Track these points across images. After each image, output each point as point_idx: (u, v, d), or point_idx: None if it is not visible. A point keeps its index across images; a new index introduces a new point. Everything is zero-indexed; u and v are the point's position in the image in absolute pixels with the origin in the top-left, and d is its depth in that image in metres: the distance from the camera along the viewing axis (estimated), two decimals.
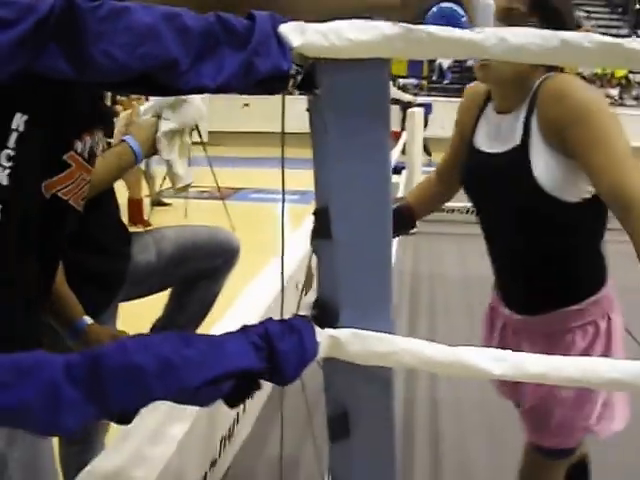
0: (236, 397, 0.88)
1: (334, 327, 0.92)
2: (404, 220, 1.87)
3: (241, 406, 2.74)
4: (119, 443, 1.95)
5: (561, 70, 1.47)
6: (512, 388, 1.77)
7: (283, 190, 1.04)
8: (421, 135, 6.25)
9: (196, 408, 2.15)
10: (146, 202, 7.69)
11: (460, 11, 1.15)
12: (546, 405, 1.62)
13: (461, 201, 6.11)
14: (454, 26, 0.86)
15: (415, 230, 5.59)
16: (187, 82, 0.76)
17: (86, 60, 0.71)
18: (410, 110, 6.45)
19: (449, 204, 6.41)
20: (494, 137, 1.54)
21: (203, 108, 2.08)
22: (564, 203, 1.45)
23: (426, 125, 12.24)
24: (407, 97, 6.53)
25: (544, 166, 1.42)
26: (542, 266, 1.59)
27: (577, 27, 1.49)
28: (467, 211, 6.60)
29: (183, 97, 1.89)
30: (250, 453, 2.74)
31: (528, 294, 1.64)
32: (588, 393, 1.57)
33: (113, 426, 2.14)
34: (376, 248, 0.94)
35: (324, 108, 0.87)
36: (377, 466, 1.03)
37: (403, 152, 6.21)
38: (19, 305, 1.06)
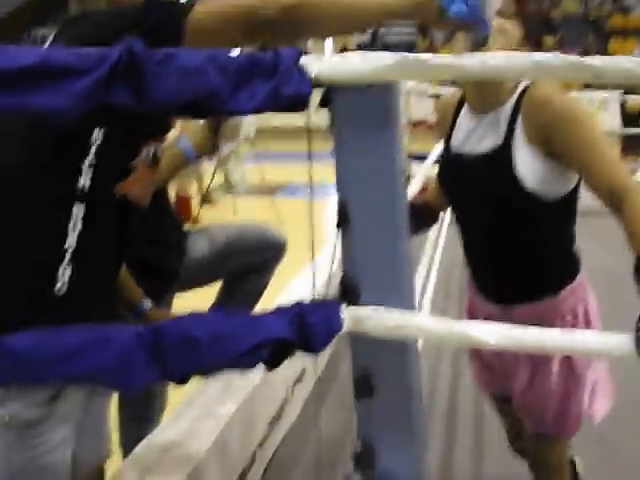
0: (273, 362, 1.08)
1: (357, 304, 1.11)
2: (423, 215, 1.97)
3: (289, 391, 2.94)
4: (173, 420, 2.17)
5: None
6: (502, 380, 1.84)
7: (311, 186, 1.23)
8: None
9: (245, 391, 2.36)
10: (194, 199, 7.83)
11: None
12: (539, 399, 1.72)
13: None
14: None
15: None
16: (227, 108, 0.96)
17: (146, 95, 0.91)
18: None
19: None
20: (471, 136, 1.64)
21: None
22: (542, 199, 1.55)
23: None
24: (451, 90, 6.56)
25: (527, 165, 1.53)
26: (514, 255, 1.67)
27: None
28: None
29: None
30: (298, 435, 2.91)
31: (499, 282, 1.73)
32: (575, 380, 1.67)
33: (168, 406, 2.36)
34: (390, 236, 1.12)
35: (340, 122, 1.06)
36: (396, 420, 1.21)
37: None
38: (104, 282, 1.30)
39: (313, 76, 0.99)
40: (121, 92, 0.90)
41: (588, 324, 1.68)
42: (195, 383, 2.31)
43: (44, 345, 1.00)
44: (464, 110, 1.71)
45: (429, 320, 1.10)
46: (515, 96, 1.58)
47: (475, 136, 1.63)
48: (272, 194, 7.64)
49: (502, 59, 0.99)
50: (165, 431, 2.08)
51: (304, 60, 1.00)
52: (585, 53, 19.46)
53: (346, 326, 1.10)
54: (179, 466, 1.89)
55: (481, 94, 1.63)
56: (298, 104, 1.01)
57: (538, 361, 1.68)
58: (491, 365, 1.86)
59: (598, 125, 1.51)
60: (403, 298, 1.15)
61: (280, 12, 1.11)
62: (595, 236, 4.03)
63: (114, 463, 1.79)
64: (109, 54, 0.89)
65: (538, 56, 0.98)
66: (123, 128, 1.23)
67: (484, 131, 1.61)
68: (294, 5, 1.13)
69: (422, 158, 4.28)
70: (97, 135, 1.20)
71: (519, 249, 1.67)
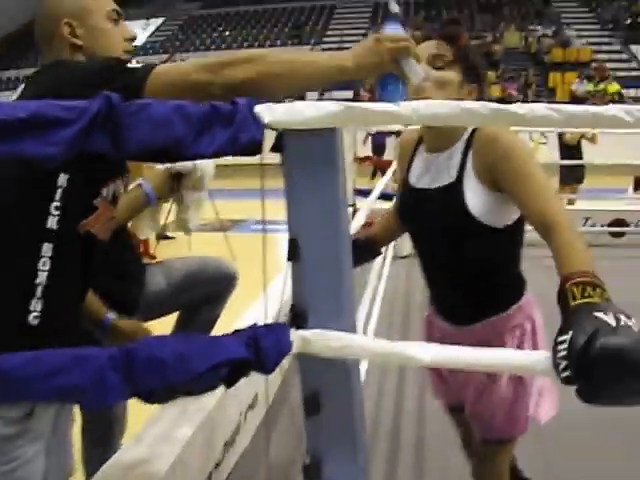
0: (231, 380, 1.19)
1: (304, 328, 1.23)
2: (367, 248, 2.13)
3: (242, 416, 3.03)
4: (134, 443, 2.25)
5: None
6: (455, 392, 2.00)
7: (264, 221, 1.35)
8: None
9: (200, 416, 2.45)
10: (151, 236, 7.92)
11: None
12: (488, 408, 1.86)
13: None
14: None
15: (408, 253, 5.84)
16: (191, 152, 1.08)
17: (122, 142, 1.02)
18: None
19: None
20: (427, 174, 1.80)
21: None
22: (492, 228, 1.71)
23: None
24: (397, 127, 6.79)
25: (477, 198, 1.68)
26: (469, 281, 1.83)
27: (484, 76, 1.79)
28: None
29: None
30: (251, 458, 3.01)
31: (457, 305, 1.89)
32: (524, 387, 1.82)
33: (128, 431, 2.44)
34: (335, 268, 1.25)
35: (290, 164, 1.19)
36: (341, 435, 1.33)
37: (396, 181, 6.49)
38: (71, 311, 1.40)
39: (266, 122, 1.12)
40: (99, 140, 1.02)
41: (534, 337, 1.84)
42: (153, 409, 2.41)
43: (27, 365, 1.09)
44: (421, 148, 1.87)
45: (370, 341, 1.22)
46: (466, 135, 1.73)
47: (431, 173, 1.78)
48: (226, 230, 7.77)
49: (432, 107, 1.13)
50: (127, 453, 2.16)
51: (258, 109, 1.13)
52: (526, 86, 20.14)
53: (295, 347, 1.22)
54: None
55: (436, 136, 1.79)
56: (253, 149, 1.13)
57: (489, 373, 1.83)
58: (446, 378, 2.02)
59: (535, 161, 1.64)
60: (346, 323, 1.27)
61: (227, 91, 1.23)
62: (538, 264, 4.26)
63: None
64: (90, 107, 1.00)
65: (467, 104, 1.12)
66: (86, 171, 1.34)
67: (439, 168, 1.75)
68: (240, 86, 1.24)
69: (367, 193, 4.46)
70: (63, 179, 1.32)
71: (474, 275, 1.81)
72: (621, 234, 7.36)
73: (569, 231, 1.39)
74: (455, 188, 1.70)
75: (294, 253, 1.23)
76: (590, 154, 9.06)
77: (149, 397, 1.18)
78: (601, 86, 19.69)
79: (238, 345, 1.17)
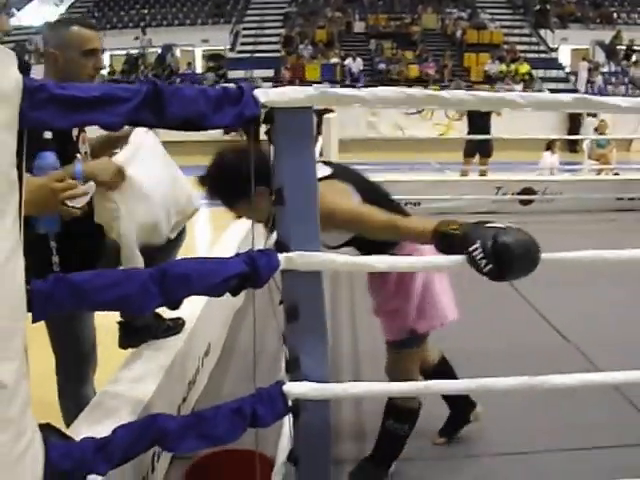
0: (236, 290, 1.62)
1: (287, 252, 1.68)
2: None
3: (200, 361, 3.45)
4: (113, 384, 2.60)
5: None
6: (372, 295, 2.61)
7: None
8: (336, 138, 7.01)
9: (168, 362, 2.83)
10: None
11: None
12: (384, 314, 2.50)
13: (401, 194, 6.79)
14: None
15: None
16: (210, 123, 1.50)
17: (163, 115, 1.44)
18: (325, 116, 7.19)
19: None
20: None
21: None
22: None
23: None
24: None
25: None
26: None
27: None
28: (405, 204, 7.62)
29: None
30: (208, 395, 3.43)
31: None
32: (402, 306, 2.42)
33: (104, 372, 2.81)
34: (309, 209, 1.70)
35: (277, 132, 1.63)
36: (314, 336, 1.79)
37: (321, 154, 6.92)
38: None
39: (262, 102, 1.55)
40: (147, 114, 1.42)
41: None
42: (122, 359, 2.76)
43: (91, 279, 1.50)
44: None
45: (337, 256, 1.69)
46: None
47: None
48: None
49: (385, 92, 1.59)
50: (108, 389, 2.50)
51: (257, 92, 1.55)
52: (442, 66, 20.89)
53: (282, 264, 1.66)
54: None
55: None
56: (252, 121, 1.56)
57: (381, 283, 2.46)
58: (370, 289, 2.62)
59: (352, 207, 2.11)
60: (317, 246, 1.72)
61: None
62: None
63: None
64: (141, 88, 1.41)
65: (408, 91, 1.59)
66: None
67: None
68: None
69: None
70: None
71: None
72: (529, 201, 8.10)
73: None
74: None
75: (280, 199, 1.67)
76: (501, 129, 9.86)
77: (176, 305, 1.61)
78: (512, 67, 20.68)
79: (241, 263, 1.61)
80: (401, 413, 2.59)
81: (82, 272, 1.53)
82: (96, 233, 2.43)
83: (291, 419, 1.87)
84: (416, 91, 1.59)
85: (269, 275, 1.64)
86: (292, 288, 1.76)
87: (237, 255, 1.65)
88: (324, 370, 1.83)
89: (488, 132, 9.31)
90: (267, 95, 1.56)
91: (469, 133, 9.63)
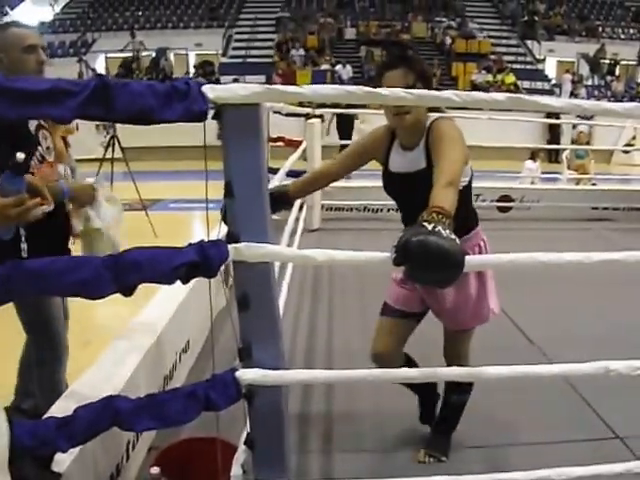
0: (186, 278, 1.69)
1: (237, 243, 1.75)
2: (280, 199, 2.59)
3: (177, 355, 3.51)
4: (98, 365, 2.68)
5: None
6: (430, 296, 2.65)
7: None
8: (319, 143, 7.08)
9: (142, 353, 2.90)
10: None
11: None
12: (461, 304, 2.58)
13: (358, 200, 6.93)
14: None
15: (317, 227, 6.65)
16: (157, 117, 1.57)
17: (111, 108, 1.51)
18: (309, 121, 7.28)
19: (347, 202, 7.21)
20: (403, 164, 2.47)
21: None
22: None
23: None
24: (305, 110, 7.31)
25: None
26: None
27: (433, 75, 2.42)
28: (364, 209, 7.68)
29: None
30: None
31: None
32: (484, 287, 2.58)
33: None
34: (257, 202, 1.77)
35: (226, 128, 1.70)
36: (264, 324, 1.86)
37: (305, 159, 7.00)
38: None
39: (210, 98, 1.63)
40: (96, 108, 1.49)
41: (486, 251, 2.61)
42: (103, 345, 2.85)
43: (48, 265, 1.57)
44: (395, 145, 2.52)
45: (283, 249, 1.76)
46: (424, 138, 2.39)
47: (406, 163, 2.46)
48: (146, 209, 8.12)
49: (325, 90, 1.67)
50: (92, 374, 2.59)
51: (204, 88, 1.63)
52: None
53: (231, 255, 1.73)
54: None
55: (408, 136, 2.44)
56: (200, 116, 1.63)
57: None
58: (414, 289, 2.65)
59: (457, 144, 2.26)
60: (266, 237, 1.79)
61: None
62: None
63: None
64: (89, 83, 1.48)
65: (349, 88, 1.67)
66: None
67: (412, 160, 2.43)
68: None
69: (276, 171, 4.82)
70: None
71: None
72: (508, 209, 8.21)
73: (448, 183, 2.04)
74: (427, 171, 2.30)
75: (229, 191, 1.74)
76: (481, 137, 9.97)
77: (130, 291, 1.68)
78: (499, 77, 20.83)
79: (191, 252, 1.68)
80: (462, 386, 2.81)
81: (39, 259, 1.60)
82: (64, 222, 2.72)
83: (246, 404, 1.94)
84: (356, 88, 1.67)
85: (219, 265, 1.72)
86: (242, 278, 1.83)
87: (189, 245, 1.72)
88: (276, 357, 1.90)
89: None
90: (215, 91, 1.63)
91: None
